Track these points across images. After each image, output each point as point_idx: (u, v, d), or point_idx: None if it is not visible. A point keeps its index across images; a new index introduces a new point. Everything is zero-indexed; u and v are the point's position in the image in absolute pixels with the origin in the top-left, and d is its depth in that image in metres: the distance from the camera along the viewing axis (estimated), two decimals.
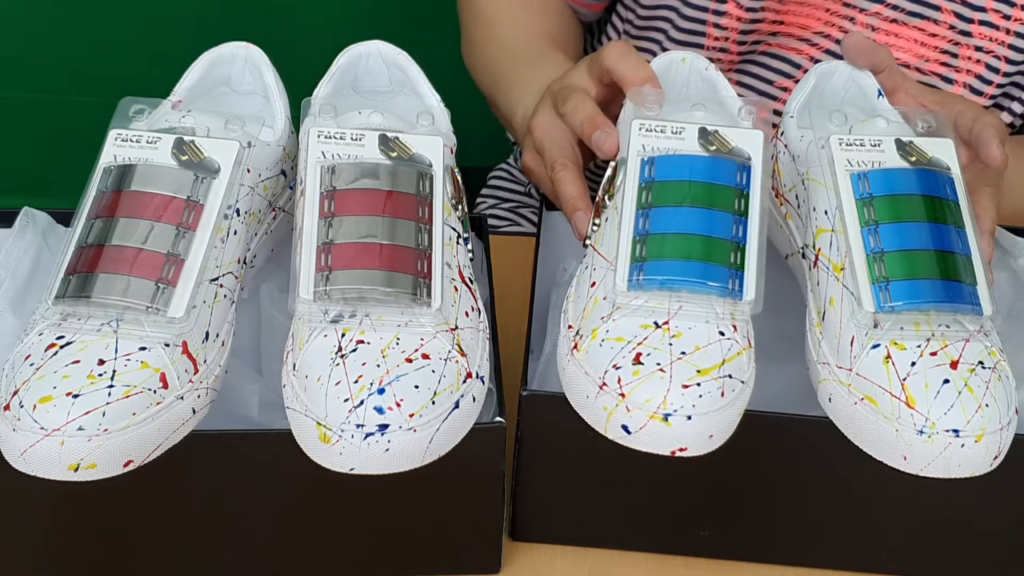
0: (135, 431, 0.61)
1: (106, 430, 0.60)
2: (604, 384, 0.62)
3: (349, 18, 1.50)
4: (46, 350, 0.62)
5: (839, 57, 0.81)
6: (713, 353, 0.63)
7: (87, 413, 0.60)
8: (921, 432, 0.62)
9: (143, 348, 0.63)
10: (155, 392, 0.62)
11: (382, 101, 0.80)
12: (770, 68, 1.03)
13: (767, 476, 0.72)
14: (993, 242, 0.77)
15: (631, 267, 0.66)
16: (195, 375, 0.64)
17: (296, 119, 0.75)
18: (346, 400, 0.61)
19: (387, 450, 0.61)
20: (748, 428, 0.64)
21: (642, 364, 0.62)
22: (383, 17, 1.52)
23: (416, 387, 0.62)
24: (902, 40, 0.98)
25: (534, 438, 0.71)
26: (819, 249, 0.70)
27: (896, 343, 0.64)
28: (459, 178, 0.73)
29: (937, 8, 0.97)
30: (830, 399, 0.66)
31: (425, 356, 0.63)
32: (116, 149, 0.70)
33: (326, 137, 0.70)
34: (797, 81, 0.88)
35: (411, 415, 0.61)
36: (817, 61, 0.88)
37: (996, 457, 0.63)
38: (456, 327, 0.66)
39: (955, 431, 0.61)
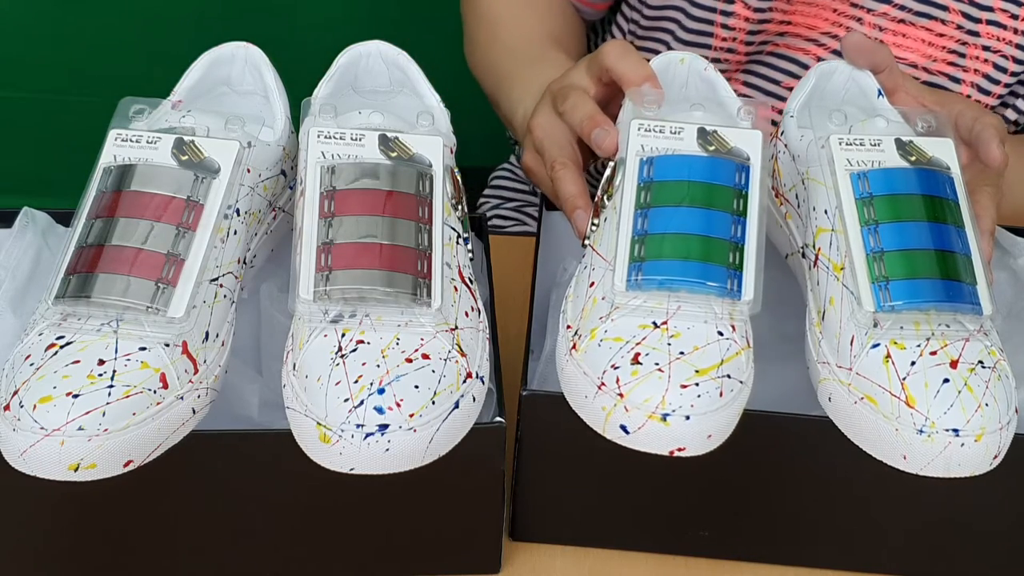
0: (135, 431, 0.61)
1: (106, 430, 0.60)
2: (603, 384, 0.62)
3: (349, 18, 1.51)
4: (46, 350, 0.62)
5: None
6: (712, 353, 0.63)
7: (87, 413, 0.60)
8: (921, 431, 0.62)
9: (143, 348, 0.63)
10: (155, 392, 0.62)
11: (382, 101, 0.80)
12: (778, 68, 1.03)
13: (767, 476, 0.72)
14: (993, 242, 0.77)
15: (630, 267, 0.66)
16: (195, 375, 0.64)
17: (296, 119, 0.75)
18: (346, 400, 0.61)
19: (387, 450, 0.61)
20: (748, 428, 0.64)
21: (640, 364, 0.62)
22: (383, 17, 1.52)
23: (416, 387, 0.62)
24: (910, 40, 0.98)
25: (534, 438, 0.71)
26: (819, 249, 0.70)
27: (896, 342, 0.64)
28: (459, 178, 0.73)
29: (945, 8, 0.97)
30: (830, 399, 0.66)
31: (425, 356, 0.63)
32: (116, 149, 0.70)
33: (326, 137, 0.70)
34: None
35: (411, 415, 0.61)
36: None
37: (996, 456, 0.63)
38: (456, 327, 0.66)
39: (955, 430, 0.61)
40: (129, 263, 0.64)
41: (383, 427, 0.61)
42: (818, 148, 0.72)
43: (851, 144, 0.71)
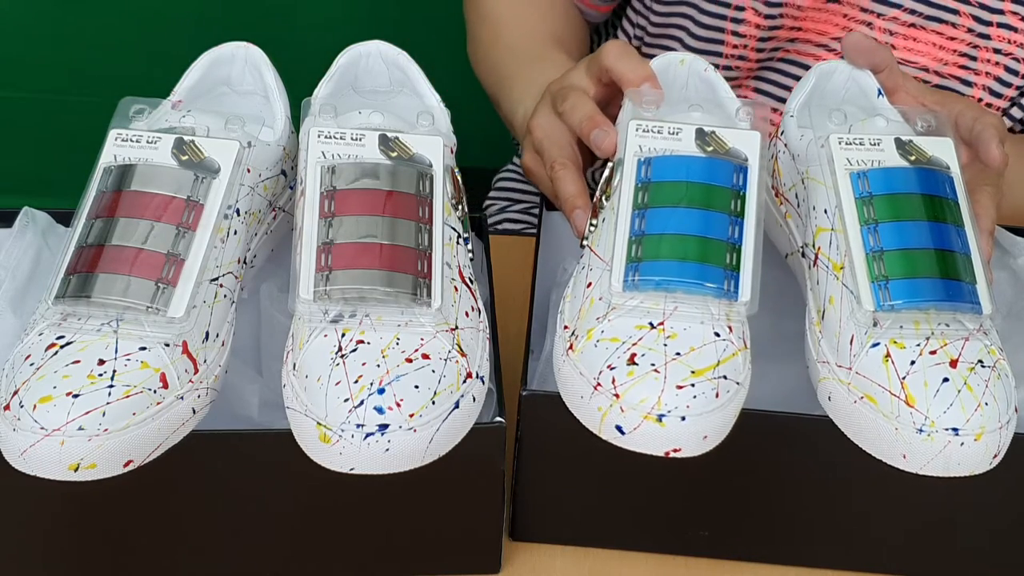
0: (135, 431, 0.61)
1: (106, 430, 0.60)
2: (599, 384, 0.62)
3: (349, 18, 1.51)
4: (46, 350, 0.63)
5: None
6: (708, 354, 0.63)
7: (87, 413, 0.60)
8: (920, 431, 0.62)
9: (143, 348, 0.63)
10: (155, 392, 0.62)
11: (382, 101, 0.80)
12: (789, 75, 1.03)
13: (767, 476, 0.72)
14: (993, 241, 0.77)
15: (627, 268, 0.66)
16: (195, 375, 0.64)
17: (296, 119, 0.75)
18: (346, 400, 0.61)
19: (387, 450, 0.61)
20: (748, 428, 0.64)
21: (636, 365, 0.62)
22: (383, 17, 1.52)
23: (416, 387, 0.62)
24: (920, 44, 0.98)
25: (534, 438, 0.71)
26: (819, 248, 0.70)
27: (896, 342, 0.64)
28: (459, 178, 0.73)
29: (955, 12, 0.97)
30: (830, 398, 0.66)
31: (425, 356, 0.63)
32: (116, 149, 0.70)
33: (326, 137, 0.70)
34: None
35: (411, 415, 0.61)
36: None
37: (995, 456, 0.63)
38: (456, 327, 0.66)
39: (954, 430, 0.61)
40: (129, 263, 0.64)
41: (383, 427, 0.61)
42: (818, 147, 0.72)
43: (851, 143, 0.71)
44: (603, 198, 0.72)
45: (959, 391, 0.62)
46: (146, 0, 1.48)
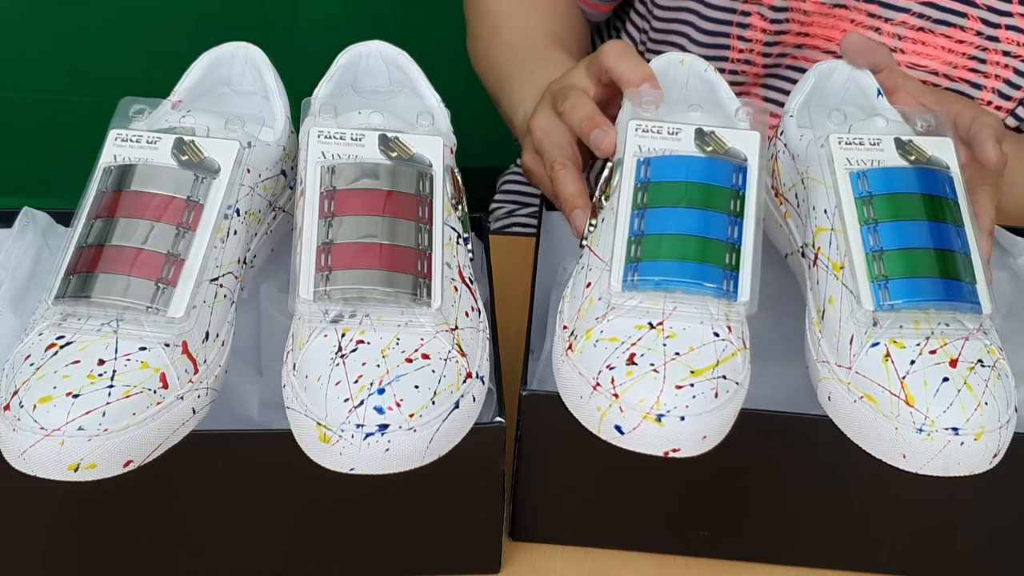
0: (135, 431, 0.61)
1: (106, 430, 0.60)
2: (598, 384, 0.62)
3: (349, 18, 1.50)
4: (46, 350, 0.63)
5: None
6: (707, 354, 0.63)
7: (87, 413, 0.60)
8: (920, 430, 0.62)
9: (143, 348, 0.63)
10: (155, 392, 0.62)
11: (382, 101, 0.80)
12: (797, 81, 1.02)
13: (767, 476, 0.72)
14: (992, 241, 0.77)
15: (626, 268, 0.66)
16: (195, 375, 0.64)
17: (296, 119, 0.75)
18: (346, 400, 0.61)
19: (387, 450, 0.61)
20: (748, 428, 0.64)
21: (636, 364, 0.62)
22: (383, 17, 1.52)
23: (416, 387, 0.62)
24: (930, 48, 0.98)
25: (534, 438, 0.71)
26: (819, 248, 0.70)
27: (895, 341, 0.64)
28: (459, 178, 0.73)
29: (963, 15, 0.97)
30: (830, 398, 0.66)
31: (425, 356, 0.63)
32: (116, 149, 0.70)
33: (326, 137, 0.70)
34: None
35: (411, 415, 0.61)
36: None
37: (995, 455, 0.63)
38: (456, 327, 0.66)
39: (954, 429, 0.61)
40: (129, 263, 0.64)
41: (383, 427, 0.61)
42: (818, 147, 0.72)
43: (851, 143, 0.71)
44: (602, 198, 0.72)
45: (959, 391, 0.62)
46: (146, 0, 1.48)
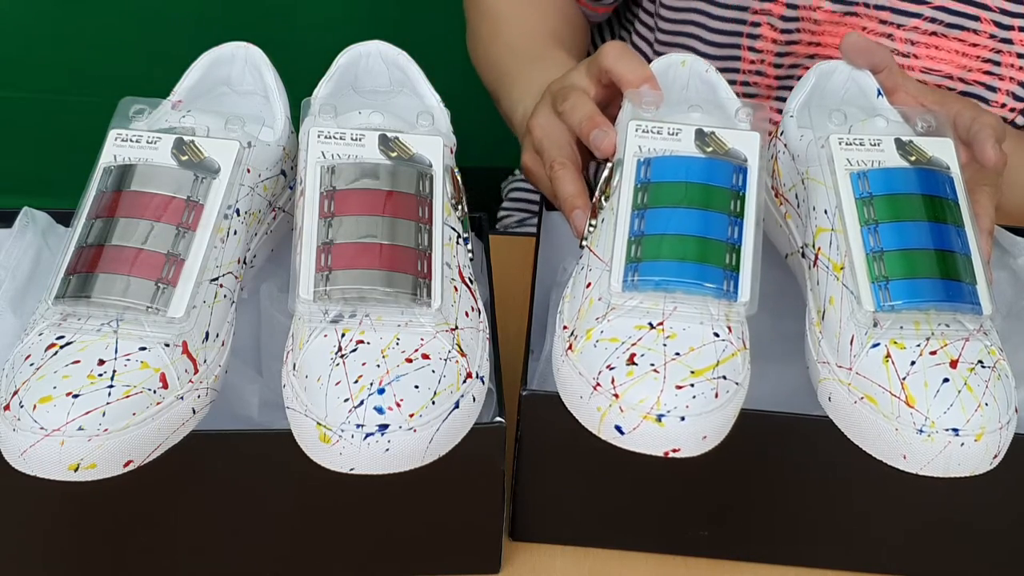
0: (135, 431, 0.61)
1: (106, 430, 0.60)
2: (598, 384, 0.62)
3: (349, 18, 1.50)
4: (46, 350, 0.63)
5: None
6: (707, 354, 0.63)
7: (87, 413, 0.60)
8: (921, 431, 0.62)
9: (143, 348, 0.63)
10: (155, 392, 0.62)
11: (382, 101, 0.80)
12: None
13: (767, 476, 0.72)
14: (992, 241, 0.77)
15: (626, 268, 0.66)
16: (195, 375, 0.64)
17: (296, 119, 0.75)
18: (346, 400, 0.61)
19: (387, 450, 0.61)
20: (748, 428, 0.64)
21: (636, 365, 0.62)
22: (383, 17, 1.52)
23: (416, 387, 0.62)
24: (943, 52, 0.97)
25: (534, 438, 0.71)
26: (819, 248, 0.70)
27: (896, 342, 0.64)
28: (459, 178, 0.73)
29: (976, 18, 0.97)
30: (830, 398, 0.66)
31: (425, 356, 0.63)
32: (116, 149, 0.70)
33: (326, 137, 0.70)
34: None
35: (411, 415, 0.61)
36: None
37: (996, 456, 0.63)
38: (456, 327, 0.66)
39: (955, 430, 0.61)
40: (129, 263, 0.64)
41: (383, 427, 0.61)
42: (818, 148, 0.72)
43: (851, 144, 0.71)
44: (602, 198, 0.72)
45: (959, 391, 0.62)
46: (146, 0, 1.48)
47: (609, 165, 0.73)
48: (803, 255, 0.73)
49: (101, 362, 0.62)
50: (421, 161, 0.70)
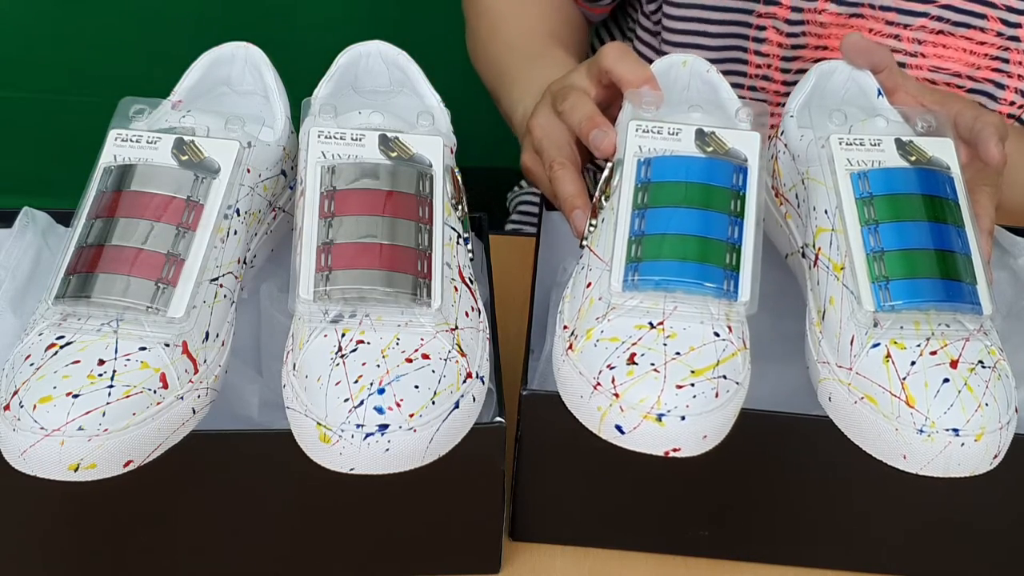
0: (135, 431, 0.61)
1: (106, 430, 0.60)
2: (598, 384, 0.62)
3: (349, 18, 1.50)
4: (46, 350, 0.62)
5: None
6: (707, 354, 0.63)
7: (87, 413, 0.60)
8: (921, 431, 0.62)
9: (143, 348, 0.63)
10: (155, 392, 0.62)
11: (382, 101, 0.80)
12: None
13: (767, 476, 0.72)
14: (992, 241, 0.77)
15: (627, 267, 0.66)
16: (195, 375, 0.64)
17: (296, 119, 0.75)
18: (346, 400, 0.61)
19: (387, 450, 0.61)
20: (748, 428, 0.64)
21: (636, 364, 0.62)
22: (383, 17, 1.52)
23: (416, 387, 0.62)
24: (951, 51, 0.97)
25: (534, 438, 0.71)
26: (819, 248, 0.70)
27: (896, 342, 0.64)
28: (459, 178, 0.73)
29: (982, 16, 0.97)
30: (830, 398, 0.66)
31: (425, 356, 0.63)
32: (116, 149, 0.70)
33: (326, 137, 0.70)
34: None
35: (411, 415, 0.61)
36: None
37: (996, 456, 0.63)
38: (456, 327, 0.66)
39: (955, 430, 0.61)
40: (129, 263, 0.64)
41: (383, 427, 0.61)
42: (818, 148, 0.72)
43: (851, 144, 0.71)
44: (603, 198, 0.72)
45: (959, 392, 0.62)
46: (146, 0, 1.48)
47: (609, 165, 0.73)
48: (803, 255, 0.73)
49: (101, 362, 0.62)
50: (421, 161, 0.70)
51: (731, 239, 0.67)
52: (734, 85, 0.80)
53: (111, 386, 0.61)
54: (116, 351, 0.62)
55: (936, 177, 0.70)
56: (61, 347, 0.62)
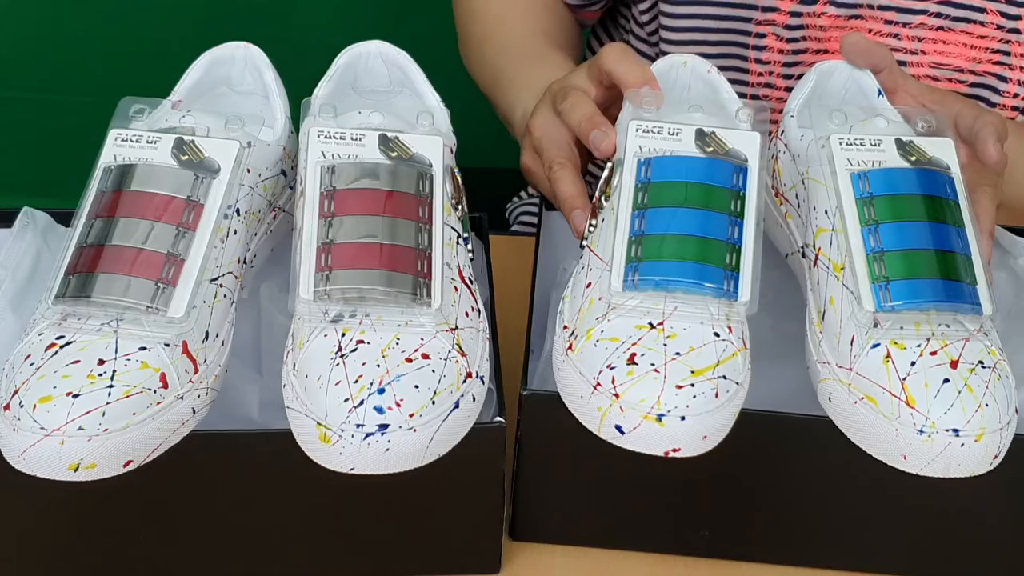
0: (135, 431, 0.61)
1: (106, 430, 0.60)
2: (598, 384, 0.62)
3: (349, 18, 1.51)
4: (46, 350, 0.62)
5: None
6: (707, 354, 0.63)
7: (87, 413, 0.60)
8: (921, 431, 0.62)
9: (143, 348, 0.63)
10: (155, 392, 0.62)
11: (382, 101, 0.80)
12: None
13: (767, 476, 0.72)
14: (993, 242, 0.77)
15: (627, 268, 0.66)
16: (195, 375, 0.64)
17: (296, 119, 0.75)
18: (346, 400, 0.61)
19: (387, 450, 0.61)
20: (748, 428, 0.64)
21: (636, 364, 0.62)
22: (383, 17, 1.52)
23: (416, 387, 0.62)
24: (951, 46, 0.97)
25: (534, 438, 0.71)
26: (819, 248, 0.70)
27: (896, 342, 0.64)
28: (459, 178, 0.73)
29: (982, 10, 0.97)
30: (830, 398, 0.66)
31: (425, 356, 0.63)
32: (116, 149, 0.70)
33: (326, 137, 0.70)
34: None
35: (411, 415, 0.61)
36: None
37: (996, 456, 0.63)
38: (456, 327, 0.66)
39: (955, 431, 0.61)
40: (129, 263, 0.64)
41: (383, 427, 0.61)
42: (818, 148, 0.72)
43: (851, 144, 0.71)
44: (603, 198, 0.72)
45: (959, 392, 0.62)
46: (146, 0, 1.48)
47: (609, 165, 0.73)
48: (803, 255, 0.73)
49: (101, 362, 0.62)
50: (421, 161, 0.70)
51: (731, 239, 0.67)
52: (737, 94, 0.79)
53: (111, 386, 0.61)
54: (116, 351, 0.62)
55: (936, 177, 0.70)
56: (61, 347, 0.62)
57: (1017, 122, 1.01)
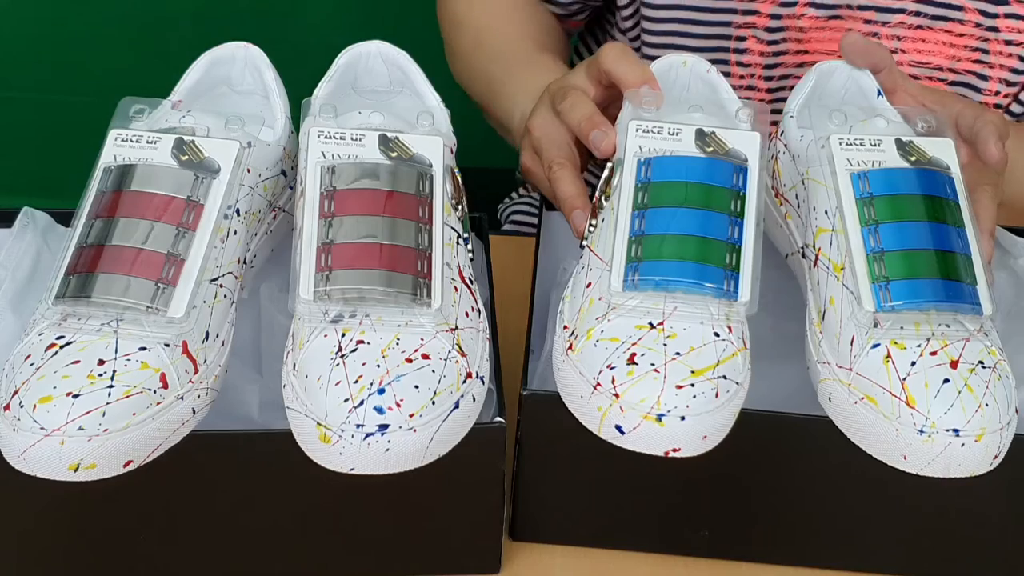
0: (135, 431, 0.61)
1: (106, 430, 0.60)
2: (598, 384, 0.62)
3: (349, 18, 1.51)
4: (46, 350, 0.62)
5: None
6: (707, 354, 0.63)
7: (87, 413, 0.60)
8: (921, 432, 0.62)
9: (143, 348, 0.63)
10: (155, 392, 0.62)
11: (382, 101, 0.80)
12: None
13: (767, 476, 0.72)
14: (993, 242, 0.77)
15: (627, 268, 0.66)
16: (195, 375, 0.64)
17: (296, 119, 0.75)
18: (346, 400, 0.61)
19: (387, 450, 0.61)
20: (748, 428, 0.64)
21: (636, 364, 0.62)
22: (383, 17, 1.52)
23: (416, 387, 0.62)
24: (930, 44, 0.98)
25: (534, 438, 0.71)
26: (819, 249, 0.70)
27: (896, 342, 0.64)
28: (459, 178, 0.73)
29: (960, 8, 0.97)
30: (830, 398, 0.66)
31: (425, 356, 0.63)
32: (116, 149, 0.70)
33: (326, 137, 0.70)
34: None
35: (411, 415, 0.61)
36: None
37: (996, 457, 0.63)
38: (456, 327, 0.66)
39: (955, 431, 0.61)
40: (129, 263, 0.64)
41: (383, 427, 0.61)
42: (818, 148, 0.72)
43: (851, 144, 0.71)
44: (603, 198, 0.72)
45: (960, 392, 0.62)
46: (146, 0, 1.48)
47: (609, 165, 0.73)
48: (803, 255, 0.73)
49: (101, 362, 0.62)
50: (421, 161, 0.70)
51: (731, 239, 0.67)
52: None
53: (111, 386, 0.61)
54: (116, 351, 0.62)
55: (936, 177, 0.70)
56: (61, 347, 0.62)
57: (1017, 125, 1.01)
